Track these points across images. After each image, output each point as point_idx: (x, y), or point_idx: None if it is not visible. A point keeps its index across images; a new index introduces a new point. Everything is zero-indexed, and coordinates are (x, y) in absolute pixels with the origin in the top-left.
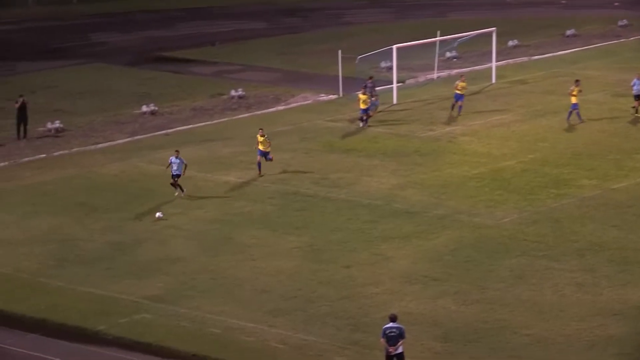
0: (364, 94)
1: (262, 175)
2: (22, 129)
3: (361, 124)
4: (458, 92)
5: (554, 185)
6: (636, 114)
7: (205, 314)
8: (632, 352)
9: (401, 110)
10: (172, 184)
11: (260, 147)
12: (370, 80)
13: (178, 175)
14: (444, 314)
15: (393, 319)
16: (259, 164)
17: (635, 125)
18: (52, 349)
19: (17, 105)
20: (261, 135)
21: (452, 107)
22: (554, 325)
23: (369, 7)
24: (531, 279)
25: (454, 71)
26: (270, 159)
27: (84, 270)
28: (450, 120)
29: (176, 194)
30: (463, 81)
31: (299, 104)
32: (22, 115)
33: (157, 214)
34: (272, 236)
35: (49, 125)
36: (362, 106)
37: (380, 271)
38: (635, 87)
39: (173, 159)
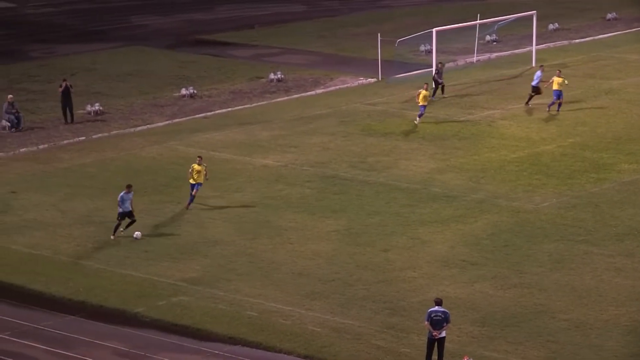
0: (426, 90)
1: (189, 209)
2: (67, 112)
3: (417, 121)
4: (556, 89)
5: (594, 170)
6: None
7: (243, 297)
8: None
9: (440, 93)
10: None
11: (194, 180)
12: (440, 65)
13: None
14: (481, 298)
15: (439, 302)
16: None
17: None
18: (90, 330)
19: (60, 89)
20: (198, 164)
21: (551, 105)
22: (592, 310)
23: None
24: (570, 263)
25: (494, 55)
26: (192, 197)
27: (122, 252)
28: (549, 118)
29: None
30: (559, 76)
31: (337, 87)
32: (66, 99)
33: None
34: (310, 219)
35: (89, 108)
36: (422, 102)
37: (418, 255)
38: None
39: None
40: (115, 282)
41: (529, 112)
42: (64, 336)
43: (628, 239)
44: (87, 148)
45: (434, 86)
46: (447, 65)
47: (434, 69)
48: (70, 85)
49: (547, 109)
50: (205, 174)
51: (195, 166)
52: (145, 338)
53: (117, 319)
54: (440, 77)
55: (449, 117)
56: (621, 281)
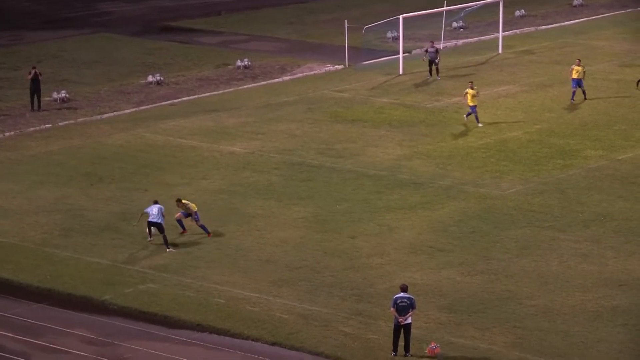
0: (472, 88)
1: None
2: (35, 100)
3: (476, 123)
4: (575, 77)
5: (560, 156)
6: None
7: (210, 284)
8: (637, 322)
9: (407, 80)
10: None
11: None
12: (432, 45)
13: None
14: (449, 285)
15: (404, 289)
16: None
17: None
18: (58, 318)
19: (29, 77)
20: (180, 204)
21: (573, 96)
22: (559, 296)
23: None
24: (536, 249)
25: (461, 41)
26: (197, 220)
27: (89, 240)
28: (573, 108)
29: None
30: (579, 65)
31: (304, 74)
32: (35, 87)
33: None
34: (277, 206)
35: (55, 95)
36: (471, 103)
37: (385, 242)
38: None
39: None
40: (82, 269)
41: (496, 98)
42: (31, 324)
43: (594, 225)
44: (54, 135)
45: (428, 67)
46: (414, 52)
47: (425, 49)
48: (39, 73)
49: (572, 101)
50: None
51: (180, 204)
52: (113, 325)
53: (85, 306)
54: (434, 56)
55: (416, 104)
56: (587, 267)
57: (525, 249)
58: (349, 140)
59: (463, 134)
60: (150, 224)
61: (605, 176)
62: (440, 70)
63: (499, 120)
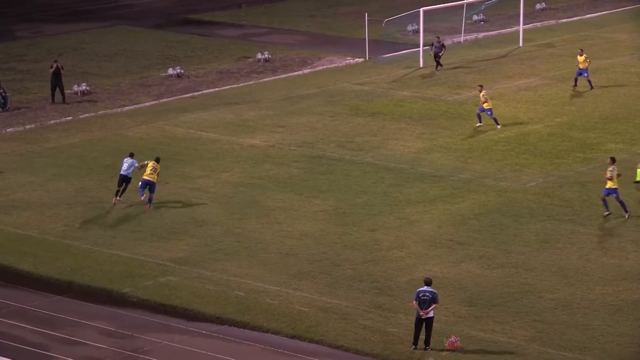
0: (480, 92)
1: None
2: (57, 93)
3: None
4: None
5: (581, 149)
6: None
7: (230, 277)
8: None
9: (428, 73)
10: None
11: (148, 176)
12: (437, 40)
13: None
14: (468, 278)
15: (428, 282)
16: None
17: None
18: (78, 311)
19: (51, 70)
20: (157, 162)
21: (590, 82)
22: (579, 289)
23: None
24: (556, 243)
25: (481, 34)
26: (150, 201)
27: (109, 232)
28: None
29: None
30: (581, 55)
31: (325, 67)
32: (57, 80)
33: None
34: (297, 199)
35: (76, 88)
36: (486, 106)
37: (405, 235)
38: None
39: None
40: (102, 262)
41: (516, 91)
42: (51, 316)
43: (614, 219)
44: (74, 128)
45: (435, 61)
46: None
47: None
48: (61, 67)
49: (591, 87)
50: (157, 174)
51: (150, 163)
52: (132, 318)
53: (104, 298)
54: (438, 50)
55: (436, 97)
56: (607, 260)
57: (545, 242)
58: (369, 134)
59: (483, 127)
60: (121, 177)
61: (625, 170)
62: (441, 64)
63: (519, 114)
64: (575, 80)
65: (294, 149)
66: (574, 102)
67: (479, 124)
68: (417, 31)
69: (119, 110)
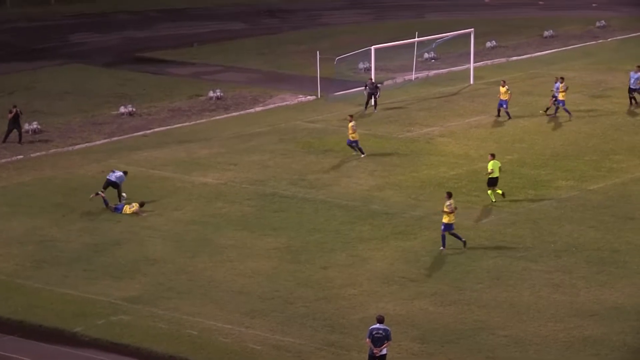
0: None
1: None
2: (10, 134)
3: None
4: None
5: (532, 186)
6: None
7: (183, 316)
8: (608, 353)
9: (379, 111)
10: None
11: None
12: (371, 81)
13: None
14: (421, 315)
15: (380, 320)
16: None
17: (612, 126)
18: (29, 350)
19: (10, 116)
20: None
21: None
22: (531, 326)
23: (347, 8)
24: (509, 279)
25: (432, 72)
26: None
27: (61, 271)
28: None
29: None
30: (503, 86)
31: (277, 105)
32: (14, 124)
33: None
34: (249, 237)
35: (27, 127)
36: (353, 137)
37: (358, 272)
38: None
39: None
40: (54, 301)
41: (467, 129)
42: (2, 356)
43: (566, 255)
44: (26, 167)
45: (366, 100)
46: (385, 82)
47: (365, 85)
48: (20, 112)
49: (496, 117)
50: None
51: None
52: (85, 357)
53: (56, 338)
54: (373, 91)
55: (388, 134)
56: (559, 297)
57: (497, 279)
58: (322, 171)
59: (435, 165)
60: (108, 182)
61: (576, 206)
62: (378, 104)
63: (470, 151)
64: (498, 111)
65: (246, 187)
66: (525, 139)
67: (355, 153)
68: (369, 69)
69: (70, 148)
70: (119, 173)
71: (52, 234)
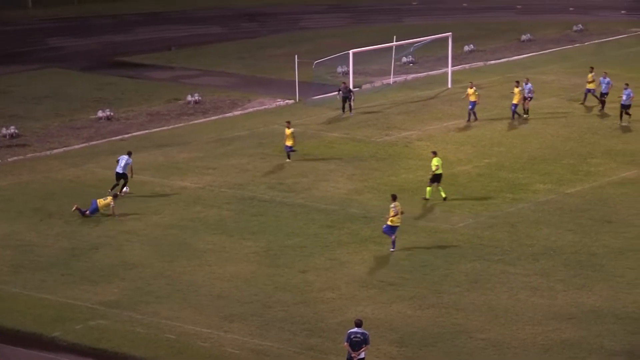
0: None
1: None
2: None
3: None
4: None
5: (510, 190)
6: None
7: (161, 320)
8: (586, 356)
9: (357, 114)
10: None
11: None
12: (344, 85)
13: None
14: (399, 319)
15: (358, 324)
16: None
17: (590, 129)
18: (7, 355)
19: None
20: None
21: (469, 116)
22: (509, 329)
23: (326, 12)
24: (486, 283)
25: (410, 76)
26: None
27: (39, 276)
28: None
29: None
30: (471, 87)
31: (255, 109)
32: None
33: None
34: (228, 241)
35: (4, 131)
36: (289, 143)
37: (337, 276)
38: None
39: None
40: (32, 306)
41: (445, 132)
42: None
43: (543, 259)
44: (3, 171)
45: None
46: (364, 86)
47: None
48: None
49: (475, 119)
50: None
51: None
52: None
53: (34, 343)
54: (347, 95)
55: (366, 138)
56: (537, 300)
57: (475, 282)
58: (300, 175)
59: (413, 168)
60: (117, 175)
61: (554, 210)
62: (353, 108)
63: (448, 154)
64: (469, 115)
65: (224, 191)
66: (503, 143)
67: (288, 160)
68: (347, 73)
69: (48, 153)
70: (123, 161)
71: (30, 239)
